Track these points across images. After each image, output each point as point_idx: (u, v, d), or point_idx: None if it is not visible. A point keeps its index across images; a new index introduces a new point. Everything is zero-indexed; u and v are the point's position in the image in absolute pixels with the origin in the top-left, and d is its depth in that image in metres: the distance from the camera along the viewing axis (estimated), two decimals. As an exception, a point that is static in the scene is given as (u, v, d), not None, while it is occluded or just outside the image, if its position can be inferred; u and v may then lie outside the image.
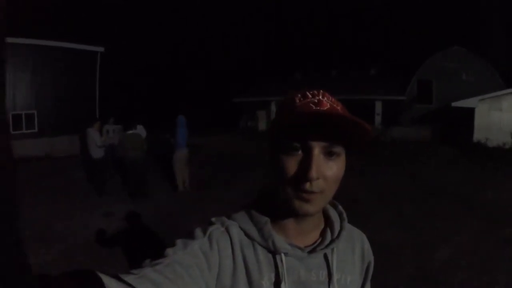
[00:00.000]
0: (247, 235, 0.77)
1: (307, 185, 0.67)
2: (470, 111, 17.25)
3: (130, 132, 8.27)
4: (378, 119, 22.52)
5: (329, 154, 0.69)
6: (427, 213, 6.88)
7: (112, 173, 9.99)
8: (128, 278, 0.55)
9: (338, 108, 0.71)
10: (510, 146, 16.12)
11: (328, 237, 0.81)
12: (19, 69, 15.13)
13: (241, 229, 0.78)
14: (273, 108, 24.27)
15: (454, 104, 18.09)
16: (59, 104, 16.23)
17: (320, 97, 0.72)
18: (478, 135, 16.88)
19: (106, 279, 0.50)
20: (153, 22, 46.45)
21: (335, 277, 0.79)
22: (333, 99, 0.73)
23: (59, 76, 16.44)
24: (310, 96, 0.73)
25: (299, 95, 0.74)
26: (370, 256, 0.90)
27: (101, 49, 18.28)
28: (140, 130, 10.03)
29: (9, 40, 15.08)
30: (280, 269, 0.74)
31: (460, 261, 4.81)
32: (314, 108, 0.68)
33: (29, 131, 15.50)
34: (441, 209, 7.14)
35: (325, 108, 0.68)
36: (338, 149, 0.70)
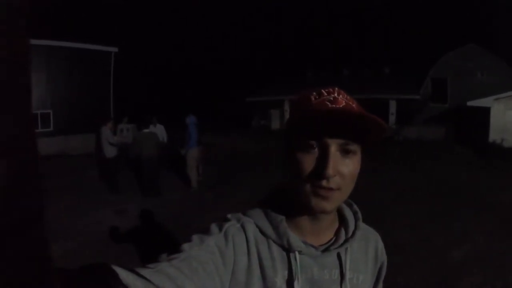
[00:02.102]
0: (262, 232, 0.77)
1: (324, 182, 0.67)
2: (486, 111, 16.95)
3: (146, 131, 8.35)
4: (392, 118, 22.30)
5: (345, 151, 0.69)
6: (440, 214, 6.79)
7: (124, 172, 10.12)
8: (145, 272, 0.56)
9: (354, 105, 0.72)
10: (527, 146, 15.79)
11: (342, 236, 0.81)
12: (35, 70, 15.39)
13: (257, 226, 0.78)
14: (286, 107, 24.26)
15: (469, 103, 17.80)
16: (74, 104, 16.54)
17: (336, 94, 0.72)
18: (493, 135, 16.58)
19: (122, 273, 0.50)
20: (167, 21, 46.78)
21: (348, 276, 0.79)
22: (348, 97, 0.73)
23: (74, 76, 16.75)
24: (325, 94, 0.73)
25: (314, 93, 0.74)
26: (383, 257, 0.90)
27: (114, 49, 18.55)
28: (160, 129, 10.14)
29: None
30: (293, 267, 0.74)
31: (474, 264, 4.72)
32: (329, 105, 0.69)
33: (44, 130, 15.78)
34: (455, 210, 7.02)
35: (341, 106, 0.69)
36: (354, 146, 0.70)
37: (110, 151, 8.46)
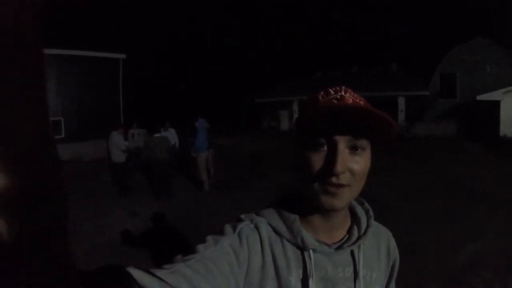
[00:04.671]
0: (275, 231, 0.78)
1: (334, 179, 0.68)
2: (496, 104, 16.73)
3: (157, 135, 8.45)
4: (401, 115, 22.12)
5: (354, 148, 0.70)
6: (451, 212, 6.72)
7: (136, 175, 10.23)
8: (160, 273, 0.56)
9: (361, 103, 0.73)
10: (538, 140, 15.54)
11: (355, 234, 0.82)
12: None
13: (270, 225, 0.79)
14: (295, 107, 24.23)
15: (478, 97, 17.58)
16: (84, 110, 16.79)
17: (343, 93, 0.73)
18: (504, 129, 16.32)
19: (138, 274, 0.51)
20: (174, 24, 47.02)
21: (361, 273, 0.79)
22: (355, 95, 0.75)
23: (84, 83, 17.00)
24: (332, 92, 0.74)
25: (322, 93, 0.76)
26: (395, 254, 0.90)
27: (123, 56, 18.73)
28: (172, 133, 10.25)
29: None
30: (308, 265, 0.75)
31: (484, 262, 4.67)
32: (336, 103, 0.70)
33: (56, 137, 15.98)
34: (466, 207, 6.95)
35: (348, 103, 0.70)
36: (363, 143, 0.71)
37: (118, 156, 8.53)
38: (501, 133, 16.25)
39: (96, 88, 17.34)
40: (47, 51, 15.39)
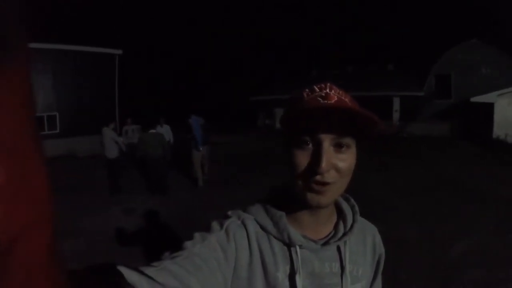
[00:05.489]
0: (262, 228, 0.79)
1: (319, 177, 0.69)
2: (490, 106, 16.89)
3: (152, 131, 8.41)
4: (396, 115, 22.28)
5: (339, 146, 0.71)
6: (443, 209, 6.83)
7: (131, 172, 10.20)
8: (148, 270, 0.57)
9: (346, 100, 0.72)
10: (531, 141, 15.75)
11: (341, 229, 0.83)
12: (41, 73, 15.55)
13: (257, 222, 0.80)
14: (290, 106, 24.31)
15: (473, 99, 17.73)
16: (79, 106, 16.74)
17: (328, 90, 0.73)
18: (497, 130, 16.52)
19: (126, 272, 0.52)
20: (170, 22, 46.85)
21: (348, 268, 0.80)
22: (341, 91, 0.74)
23: (79, 78, 16.91)
24: (317, 90, 0.74)
25: (307, 90, 0.76)
26: (381, 249, 0.91)
27: (119, 51, 18.65)
28: (166, 130, 10.22)
29: (31, 46, 15.43)
30: (295, 261, 0.76)
31: (475, 258, 4.74)
32: (321, 101, 0.70)
33: (51, 132, 15.94)
34: (457, 205, 7.07)
35: (333, 101, 0.69)
36: (348, 140, 0.71)
37: (111, 152, 8.43)
38: (495, 135, 16.44)
39: (91, 84, 17.26)
40: (43, 45, 15.37)
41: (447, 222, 6.15)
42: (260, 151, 14.64)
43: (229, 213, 0.83)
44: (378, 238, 0.92)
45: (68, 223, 6.03)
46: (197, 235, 0.74)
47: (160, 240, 5.44)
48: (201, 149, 8.86)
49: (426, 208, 6.91)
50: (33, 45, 15.15)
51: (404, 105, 22.37)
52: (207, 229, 0.77)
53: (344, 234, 0.82)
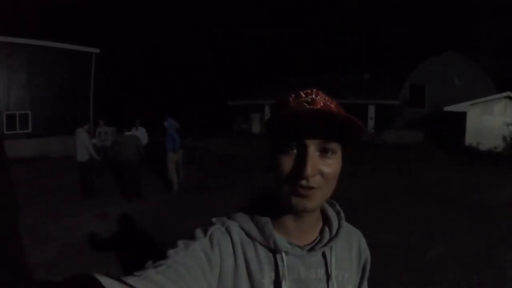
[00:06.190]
0: (247, 234, 0.78)
1: (304, 182, 0.68)
2: (462, 115, 17.47)
3: (128, 133, 8.24)
4: (371, 123, 22.72)
5: (324, 151, 0.70)
6: (419, 214, 6.98)
7: (105, 175, 9.97)
8: (131, 280, 0.55)
9: (332, 105, 0.73)
10: (502, 149, 16.41)
11: (327, 235, 0.82)
12: (14, 69, 15.11)
13: (242, 229, 0.78)
14: (267, 111, 24.43)
15: (446, 108, 18.32)
16: (53, 105, 16.24)
17: (314, 95, 0.73)
18: (469, 138, 17.12)
19: (107, 282, 0.48)
20: (148, 23, 46.38)
21: (334, 274, 0.80)
22: (326, 97, 0.74)
23: (54, 76, 16.43)
24: (303, 95, 0.74)
25: (293, 95, 0.76)
26: (367, 254, 0.92)
27: (96, 50, 18.28)
28: (142, 132, 10.04)
29: (5, 39, 15.05)
30: (280, 268, 0.75)
31: (451, 261, 4.87)
32: (307, 107, 0.70)
33: (23, 131, 15.45)
34: (433, 209, 7.25)
35: (318, 107, 0.70)
36: (333, 145, 0.71)
37: (82, 155, 8.19)
38: (467, 143, 17.03)
39: (67, 82, 16.77)
40: (18, 40, 14.92)
41: (422, 227, 6.29)
42: (235, 155, 14.63)
43: (214, 220, 0.81)
44: (363, 243, 0.93)
45: (38, 229, 5.84)
46: (180, 242, 0.71)
47: (134, 247, 5.30)
48: (177, 152, 8.76)
49: (402, 213, 7.04)
50: (6, 38, 14.74)
51: (379, 113, 22.85)
52: (191, 236, 0.75)
53: (330, 239, 0.82)
